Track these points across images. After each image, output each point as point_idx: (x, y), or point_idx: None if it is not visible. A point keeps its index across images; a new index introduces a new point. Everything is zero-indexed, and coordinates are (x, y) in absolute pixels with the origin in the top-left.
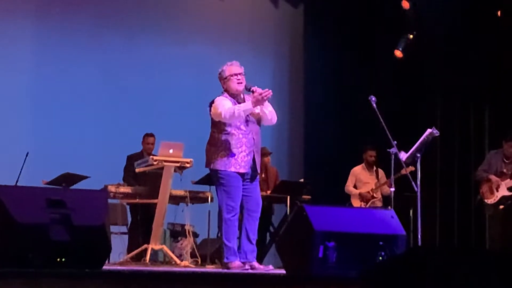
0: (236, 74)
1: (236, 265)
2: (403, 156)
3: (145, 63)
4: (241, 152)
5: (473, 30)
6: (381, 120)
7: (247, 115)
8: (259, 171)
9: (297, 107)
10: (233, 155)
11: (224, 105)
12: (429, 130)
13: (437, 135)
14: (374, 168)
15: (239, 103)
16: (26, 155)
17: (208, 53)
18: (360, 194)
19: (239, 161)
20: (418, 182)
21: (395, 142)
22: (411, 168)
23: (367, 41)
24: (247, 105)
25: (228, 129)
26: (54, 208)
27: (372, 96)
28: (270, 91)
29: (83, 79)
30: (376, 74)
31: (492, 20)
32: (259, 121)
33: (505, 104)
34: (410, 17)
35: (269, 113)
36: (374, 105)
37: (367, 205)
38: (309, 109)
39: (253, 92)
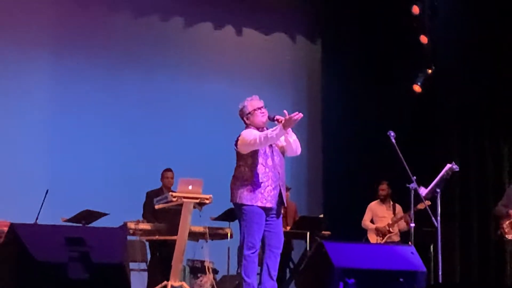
0: (259, 108)
1: None
2: (423, 191)
3: (163, 99)
4: (268, 186)
5: (492, 64)
6: (400, 156)
7: (272, 149)
8: (285, 205)
9: (315, 142)
10: (259, 189)
11: (254, 134)
12: (448, 165)
13: (456, 170)
14: (391, 202)
15: None
16: (46, 193)
17: (226, 89)
18: (376, 229)
19: (265, 196)
20: (438, 218)
21: (415, 177)
22: (428, 202)
23: (385, 75)
24: (278, 128)
25: (255, 162)
26: (73, 246)
27: (391, 132)
28: (301, 114)
29: (101, 115)
30: (394, 108)
31: (507, 54)
32: (283, 153)
33: None
34: (428, 52)
35: (293, 142)
36: (393, 140)
37: (384, 240)
38: (328, 144)
39: (277, 121)
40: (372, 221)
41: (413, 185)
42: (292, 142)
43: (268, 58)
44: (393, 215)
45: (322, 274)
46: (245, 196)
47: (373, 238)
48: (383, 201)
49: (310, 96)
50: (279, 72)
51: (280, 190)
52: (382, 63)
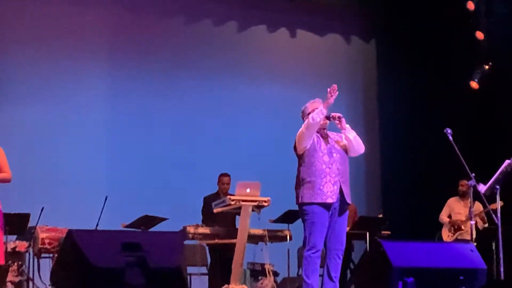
0: (329, 104)
1: None
2: (482, 188)
3: (219, 104)
4: (326, 182)
5: None
6: (458, 153)
7: (330, 147)
8: (349, 202)
9: (373, 141)
10: (318, 185)
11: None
12: (507, 161)
13: None
14: (470, 199)
15: (323, 137)
16: (105, 199)
17: (281, 92)
18: (450, 222)
19: (324, 191)
20: (499, 215)
21: (473, 174)
22: (494, 205)
23: (441, 73)
24: (317, 111)
25: (311, 160)
26: (129, 251)
27: (447, 129)
28: (335, 85)
29: (158, 122)
30: (452, 106)
31: None
32: (345, 151)
33: None
34: (484, 47)
35: (353, 138)
36: (450, 137)
37: (454, 236)
38: (385, 143)
39: (333, 118)
40: (449, 217)
41: (472, 182)
42: (352, 139)
43: (323, 59)
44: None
45: (381, 273)
46: (305, 195)
47: (445, 233)
48: (462, 197)
49: (366, 96)
50: (334, 73)
51: (341, 186)
52: (438, 61)
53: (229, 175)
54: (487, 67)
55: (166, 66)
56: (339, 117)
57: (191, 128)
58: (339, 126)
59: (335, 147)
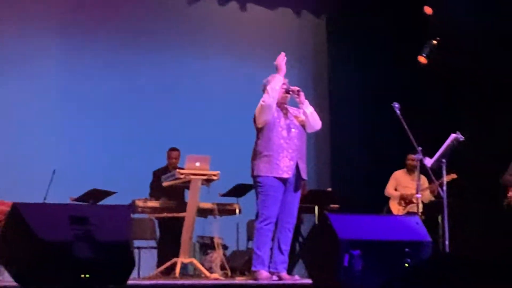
0: (284, 84)
1: (263, 275)
2: (428, 162)
3: (168, 77)
4: (283, 157)
5: (499, 33)
6: (405, 126)
7: (289, 122)
8: (304, 177)
9: (323, 116)
10: (275, 160)
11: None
12: (453, 135)
13: (462, 139)
14: (417, 173)
15: (283, 112)
16: (53, 173)
17: (231, 66)
18: (401, 196)
19: (281, 166)
20: (444, 188)
21: (420, 148)
22: (453, 175)
23: (390, 47)
24: (275, 80)
25: (270, 134)
26: (77, 225)
27: (395, 103)
28: (282, 53)
29: (108, 95)
30: (401, 81)
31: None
32: (303, 127)
33: None
34: (433, 22)
35: (310, 114)
36: (398, 111)
37: (405, 209)
38: (335, 117)
39: (292, 91)
40: (396, 190)
41: (419, 156)
42: (309, 115)
43: (273, 33)
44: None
45: (327, 246)
46: (261, 168)
47: (395, 207)
48: (410, 171)
49: (316, 71)
50: (284, 47)
51: (298, 162)
52: (387, 36)
53: (178, 150)
54: (435, 42)
55: (116, 39)
56: (298, 91)
57: (141, 101)
58: (297, 100)
59: (294, 123)
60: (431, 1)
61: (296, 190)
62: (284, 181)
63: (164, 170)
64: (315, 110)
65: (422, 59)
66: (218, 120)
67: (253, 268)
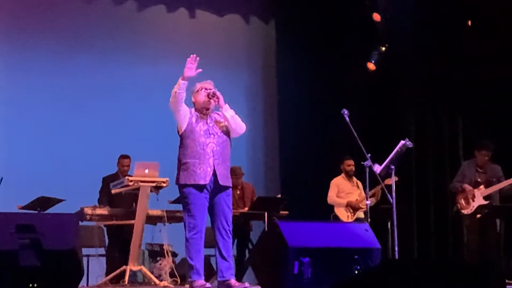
0: (206, 88)
1: (199, 284)
2: (377, 168)
3: (117, 84)
4: (199, 164)
5: (444, 40)
6: (354, 133)
7: (208, 128)
8: (222, 183)
9: (271, 122)
10: (192, 167)
11: None
12: (402, 142)
13: (410, 146)
14: (354, 179)
15: (202, 116)
16: (0, 180)
17: (180, 72)
18: (348, 204)
19: (197, 173)
20: (393, 194)
21: (369, 154)
22: (389, 181)
23: (339, 54)
24: (203, 84)
25: (187, 142)
26: (23, 233)
27: (344, 110)
28: (193, 55)
29: (55, 101)
30: (349, 87)
31: (462, 30)
32: (226, 133)
33: (477, 114)
34: (381, 29)
35: (230, 118)
36: (347, 118)
37: (355, 216)
38: (284, 124)
39: (211, 96)
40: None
41: (368, 163)
42: (229, 119)
43: (222, 39)
44: (359, 191)
45: (277, 253)
46: (181, 177)
47: (342, 213)
48: (349, 177)
49: (265, 77)
50: (233, 53)
51: (215, 168)
52: (336, 42)
53: (129, 157)
54: (383, 48)
55: (63, 44)
56: (214, 94)
57: (89, 107)
58: (217, 103)
59: (213, 128)
60: (380, 8)
61: (217, 195)
62: (201, 187)
63: (114, 177)
64: (263, 115)
65: (371, 66)
66: (167, 126)
67: (189, 279)
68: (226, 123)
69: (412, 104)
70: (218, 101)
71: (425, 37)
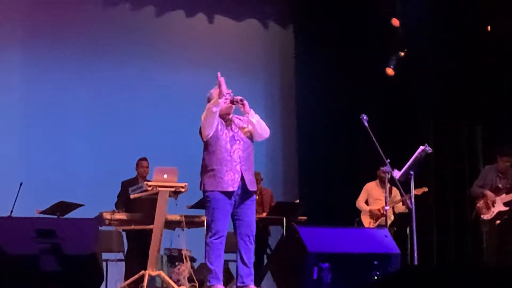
0: (223, 95)
1: None
2: (397, 174)
3: (136, 89)
4: (227, 171)
5: (463, 46)
6: (373, 139)
7: (234, 134)
8: (251, 189)
9: (290, 127)
10: (219, 174)
11: None
12: (421, 148)
13: (430, 152)
14: (388, 185)
15: (227, 124)
16: (20, 185)
17: (199, 77)
18: (370, 211)
19: (225, 180)
20: (413, 200)
21: (388, 160)
22: (424, 189)
23: (357, 59)
24: (215, 101)
25: (213, 148)
26: (44, 238)
27: (363, 115)
28: (218, 73)
29: (75, 107)
30: (368, 92)
31: (482, 36)
32: (250, 138)
33: (497, 119)
34: (400, 34)
35: (256, 123)
36: (366, 123)
37: (377, 223)
38: (302, 129)
39: (236, 102)
40: (367, 202)
41: (387, 168)
42: (255, 124)
43: (241, 45)
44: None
45: (296, 259)
46: (207, 183)
47: (366, 220)
48: (383, 183)
49: (283, 82)
50: (251, 58)
51: (243, 174)
52: (355, 47)
53: (147, 160)
54: (402, 54)
55: (83, 50)
56: (241, 100)
57: (108, 113)
58: (242, 109)
59: (239, 134)
60: (399, 13)
61: (245, 201)
62: (229, 194)
63: (134, 181)
64: (282, 121)
65: (389, 71)
66: (185, 131)
67: (208, 284)
68: (249, 128)
69: (431, 109)
70: (243, 107)
71: (444, 42)
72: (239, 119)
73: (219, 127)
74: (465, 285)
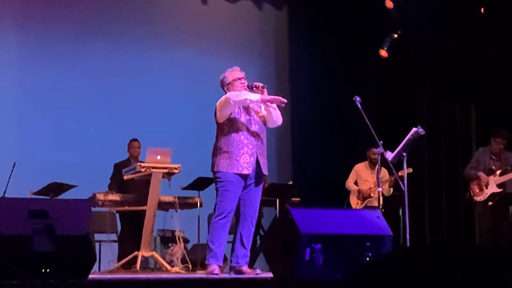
0: (239, 78)
1: (211, 269)
2: (389, 155)
3: (129, 69)
4: (243, 153)
5: (457, 27)
6: (367, 120)
7: (250, 118)
8: (265, 173)
9: (284, 109)
10: (235, 156)
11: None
12: (414, 129)
13: (422, 133)
14: (377, 166)
15: (244, 107)
16: (13, 166)
17: (193, 59)
18: (358, 191)
19: (241, 163)
20: (405, 182)
21: (381, 141)
22: (409, 169)
23: (351, 41)
24: (255, 96)
25: (230, 130)
26: (37, 219)
27: (356, 97)
28: (284, 100)
29: (67, 87)
30: (362, 74)
31: (476, 17)
32: (264, 123)
33: (490, 101)
34: (394, 16)
35: (273, 111)
36: (359, 105)
37: (363, 204)
38: (296, 111)
39: (255, 87)
40: (356, 183)
41: (380, 150)
42: (272, 111)
43: (235, 26)
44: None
45: (289, 240)
46: (221, 164)
47: (354, 201)
48: (372, 165)
49: (278, 63)
50: (246, 40)
51: (258, 157)
52: (349, 29)
53: (138, 141)
54: (396, 35)
55: (74, 32)
56: (262, 87)
57: (101, 93)
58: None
59: (255, 118)
60: None
61: (257, 185)
62: (244, 177)
63: (126, 163)
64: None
65: (383, 52)
66: (179, 113)
67: (206, 262)
68: (264, 113)
69: (425, 91)
70: (262, 93)
71: (438, 24)
72: (253, 103)
73: (236, 109)
74: (458, 267)
